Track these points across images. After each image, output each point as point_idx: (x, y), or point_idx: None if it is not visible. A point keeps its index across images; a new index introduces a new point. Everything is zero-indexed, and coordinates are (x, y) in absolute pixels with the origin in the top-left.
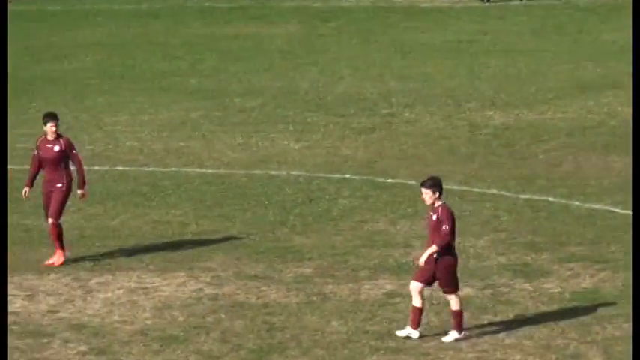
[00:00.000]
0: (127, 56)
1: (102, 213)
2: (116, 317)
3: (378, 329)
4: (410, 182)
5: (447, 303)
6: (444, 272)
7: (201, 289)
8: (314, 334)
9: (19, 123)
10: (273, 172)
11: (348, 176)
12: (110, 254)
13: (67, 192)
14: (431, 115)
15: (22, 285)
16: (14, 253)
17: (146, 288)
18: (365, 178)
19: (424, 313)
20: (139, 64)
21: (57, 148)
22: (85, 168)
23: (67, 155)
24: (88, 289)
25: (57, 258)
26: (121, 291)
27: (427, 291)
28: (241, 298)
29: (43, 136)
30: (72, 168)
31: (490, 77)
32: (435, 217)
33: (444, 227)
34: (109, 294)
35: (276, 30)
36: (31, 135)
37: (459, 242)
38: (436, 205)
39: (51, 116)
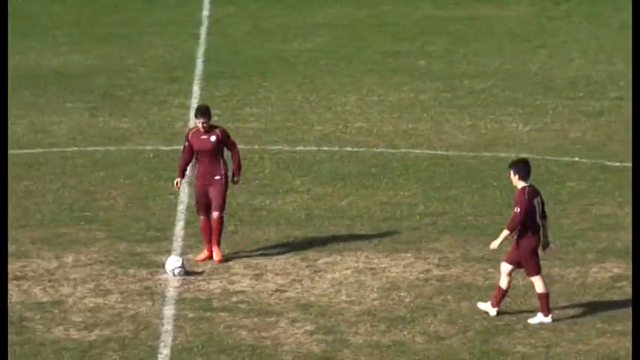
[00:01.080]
0: (358, 37)
1: (330, 193)
2: (343, 297)
3: (605, 312)
4: None
5: None
6: (523, 256)
7: (428, 271)
8: None
9: (248, 103)
10: (501, 155)
11: (576, 159)
12: (338, 235)
13: (227, 182)
14: None
15: (249, 264)
16: (242, 233)
17: (374, 269)
18: (593, 161)
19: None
20: (369, 45)
21: (213, 139)
22: (314, 148)
23: (223, 145)
24: (316, 269)
25: (217, 253)
26: (349, 271)
27: None
28: (468, 279)
29: (195, 128)
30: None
31: None
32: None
33: (515, 210)
34: (337, 274)
35: (506, 12)
36: (260, 115)
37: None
38: (518, 186)
39: (202, 112)
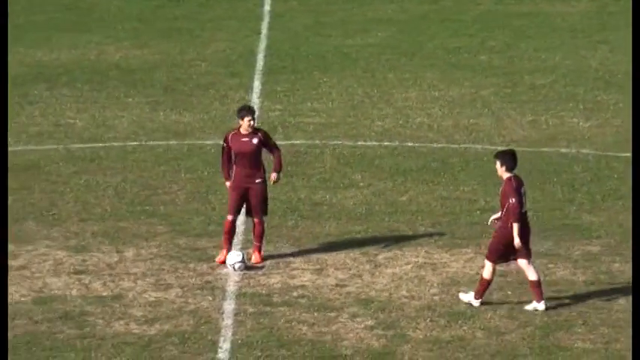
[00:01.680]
0: (418, 32)
1: (391, 188)
2: (404, 292)
3: None
4: None
5: None
6: (495, 239)
7: None
8: (600, 312)
9: (309, 98)
10: (562, 150)
11: None
12: (398, 230)
13: (266, 185)
14: None
15: (310, 259)
16: (303, 228)
17: (434, 264)
18: None
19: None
20: (430, 41)
21: (255, 141)
22: (375, 143)
23: (263, 148)
24: (376, 263)
25: (256, 256)
26: (409, 266)
27: None
28: None
29: (235, 130)
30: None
31: None
32: (501, 189)
33: (510, 200)
34: (397, 269)
35: (567, 8)
36: (321, 110)
37: None
38: (504, 177)
39: (249, 110)
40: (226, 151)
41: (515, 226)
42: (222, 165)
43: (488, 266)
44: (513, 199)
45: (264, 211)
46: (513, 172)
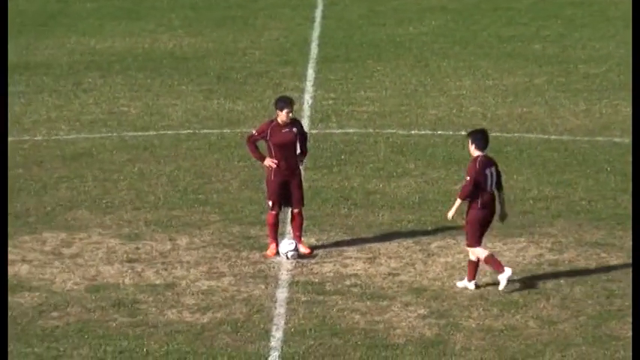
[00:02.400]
0: (472, 21)
1: (444, 177)
2: (456, 281)
3: None
4: None
5: None
6: (466, 225)
7: (541, 255)
8: None
9: (363, 86)
10: (616, 139)
11: None
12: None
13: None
14: None
15: (363, 248)
16: (356, 217)
17: None
18: None
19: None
20: (483, 29)
21: (295, 130)
22: (429, 132)
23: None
24: (429, 252)
25: (304, 246)
26: (462, 255)
27: None
28: (581, 264)
29: (274, 122)
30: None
31: None
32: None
33: (465, 178)
34: (450, 258)
35: None
36: (374, 99)
37: None
38: (474, 155)
39: (289, 102)
40: (252, 139)
41: (458, 202)
42: (252, 151)
43: (476, 251)
44: (468, 178)
45: (304, 201)
46: (484, 152)
